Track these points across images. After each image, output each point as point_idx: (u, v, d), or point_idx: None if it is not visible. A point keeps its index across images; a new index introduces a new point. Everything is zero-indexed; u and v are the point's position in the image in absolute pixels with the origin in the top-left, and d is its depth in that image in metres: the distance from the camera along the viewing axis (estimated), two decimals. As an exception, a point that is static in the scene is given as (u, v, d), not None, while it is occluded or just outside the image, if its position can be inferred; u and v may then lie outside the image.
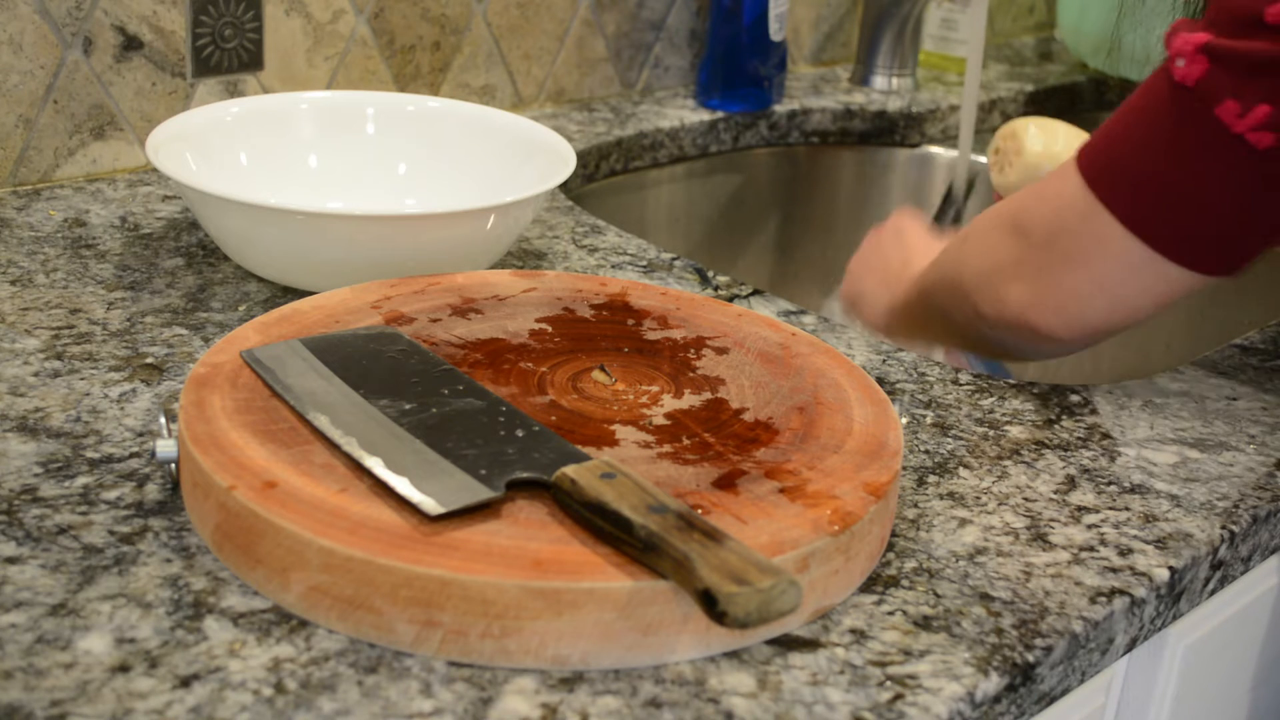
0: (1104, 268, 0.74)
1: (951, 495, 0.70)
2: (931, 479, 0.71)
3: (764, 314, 0.81)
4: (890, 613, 0.60)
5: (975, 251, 0.81)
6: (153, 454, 0.63)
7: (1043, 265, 0.76)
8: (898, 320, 0.95)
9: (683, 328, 0.77)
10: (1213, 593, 0.71)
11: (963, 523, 0.68)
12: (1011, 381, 0.83)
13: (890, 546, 0.65)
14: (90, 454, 0.67)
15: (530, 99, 1.29)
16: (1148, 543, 0.67)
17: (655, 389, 0.69)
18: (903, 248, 0.99)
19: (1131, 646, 0.65)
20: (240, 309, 0.83)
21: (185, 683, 0.52)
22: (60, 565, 0.58)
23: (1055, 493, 0.71)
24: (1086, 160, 0.75)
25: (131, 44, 1.02)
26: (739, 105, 1.36)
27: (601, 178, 1.25)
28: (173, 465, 0.64)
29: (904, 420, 0.77)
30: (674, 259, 0.98)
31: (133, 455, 0.67)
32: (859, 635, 0.58)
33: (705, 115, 1.34)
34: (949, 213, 1.20)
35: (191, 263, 0.89)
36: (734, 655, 0.57)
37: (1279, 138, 0.67)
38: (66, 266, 0.87)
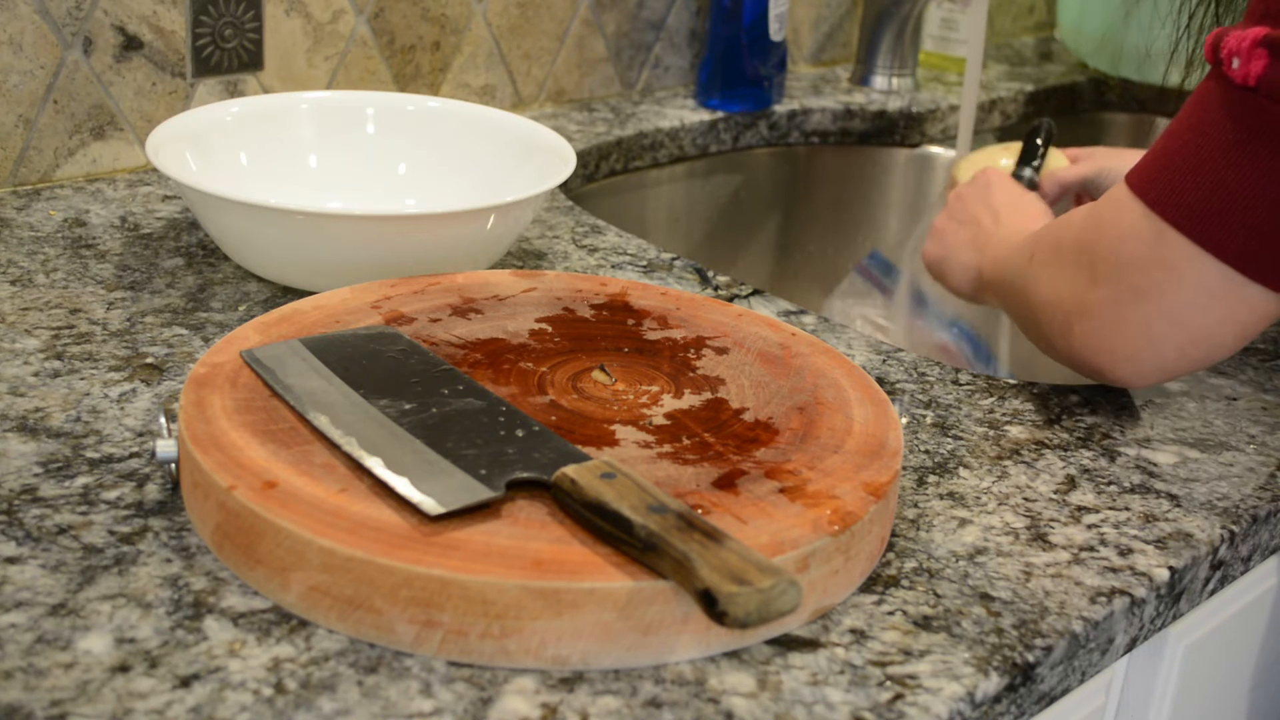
0: (1177, 297, 0.69)
1: (951, 495, 0.70)
2: (931, 479, 0.71)
3: (764, 314, 0.81)
4: (890, 613, 0.60)
5: (1042, 278, 0.78)
6: (153, 454, 0.63)
7: (1110, 302, 0.72)
8: (987, 289, 0.91)
9: (683, 328, 0.76)
10: (1213, 593, 0.71)
11: (963, 523, 0.68)
12: (1012, 381, 0.83)
13: (890, 546, 0.65)
14: (90, 454, 0.67)
15: (530, 99, 1.29)
16: (1148, 543, 0.67)
17: (655, 389, 0.69)
18: (991, 205, 0.95)
19: (1131, 646, 0.65)
20: (240, 309, 0.83)
21: (185, 683, 0.52)
22: (60, 565, 0.58)
23: (1055, 493, 0.71)
24: (1144, 184, 0.70)
25: (131, 44, 1.02)
26: (739, 105, 1.36)
27: (601, 178, 1.25)
28: (173, 465, 0.64)
29: (904, 420, 0.77)
30: (674, 259, 0.98)
31: (133, 455, 0.67)
32: (859, 635, 0.58)
33: (705, 115, 1.33)
34: (1031, 163, 1.15)
35: (191, 263, 0.89)
36: (734, 655, 0.57)
37: None
38: (66, 266, 0.87)
